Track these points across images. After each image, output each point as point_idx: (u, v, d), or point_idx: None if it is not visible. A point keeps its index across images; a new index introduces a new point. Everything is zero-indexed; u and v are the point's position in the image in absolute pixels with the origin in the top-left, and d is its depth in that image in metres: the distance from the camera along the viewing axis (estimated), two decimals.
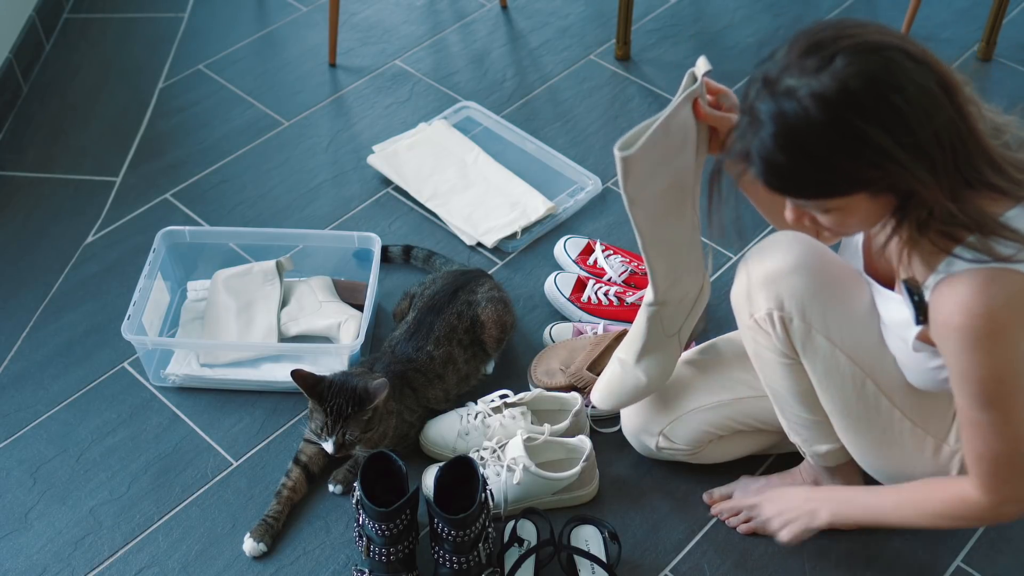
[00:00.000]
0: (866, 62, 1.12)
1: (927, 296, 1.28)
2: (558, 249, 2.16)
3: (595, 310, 2.03)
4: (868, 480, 1.69)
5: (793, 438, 1.62)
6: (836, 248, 1.56)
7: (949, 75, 1.16)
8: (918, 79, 1.13)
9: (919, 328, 1.33)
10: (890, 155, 1.14)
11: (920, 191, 1.17)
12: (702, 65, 1.38)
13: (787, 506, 1.60)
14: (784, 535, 1.59)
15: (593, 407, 1.82)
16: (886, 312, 1.42)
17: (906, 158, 1.14)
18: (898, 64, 1.13)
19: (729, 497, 1.75)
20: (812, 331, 1.44)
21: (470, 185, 2.32)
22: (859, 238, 1.48)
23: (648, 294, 1.58)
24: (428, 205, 2.28)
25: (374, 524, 1.57)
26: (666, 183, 1.42)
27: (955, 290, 1.23)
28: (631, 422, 1.76)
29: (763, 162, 1.19)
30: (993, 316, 1.21)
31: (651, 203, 1.43)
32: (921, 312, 1.29)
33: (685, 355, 1.77)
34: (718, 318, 2.03)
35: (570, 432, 1.79)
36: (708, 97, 1.42)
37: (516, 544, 1.66)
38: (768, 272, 1.45)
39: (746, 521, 1.71)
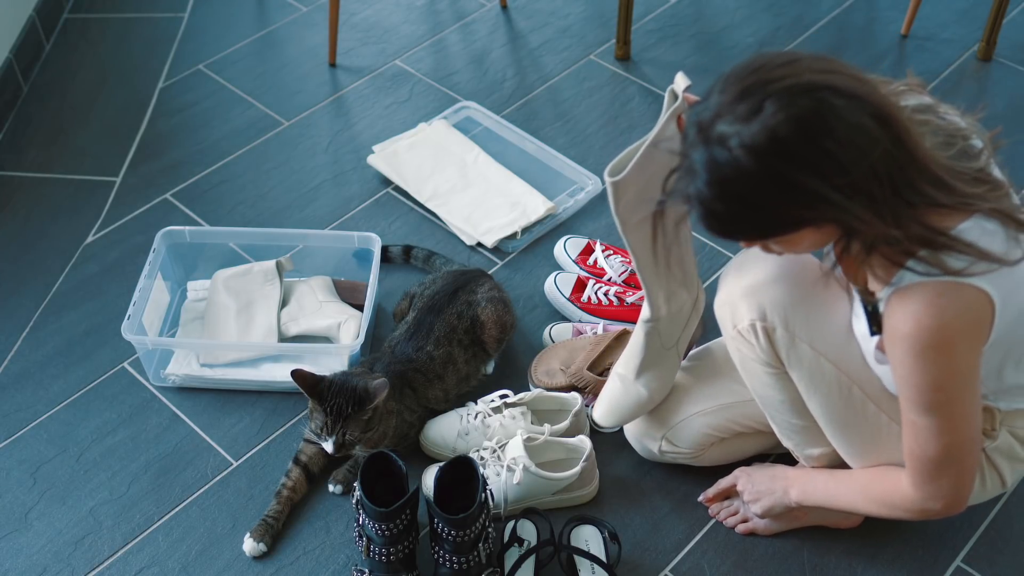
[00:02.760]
0: (795, 107, 1.12)
1: (880, 308, 1.29)
2: (558, 249, 2.16)
3: (595, 310, 2.03)
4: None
5: (786, 443, 1.63)
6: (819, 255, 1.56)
7: (885, 103, 1.15)
8: (850, 118, 1.13)
9: (876, 339, 1.35)
10: (824, 198, 1.14)
11: (858, 226, 1.18)
12: (681, 81, 1.39)
13: (760, 485, 1.66)
14: (757, 508, 1.66)
15: (594, 406, 1.82)
16: (855, 326, 1.43)
17: (840, 199, 1.14)
18: (828, 104, 1.12)
19: (727, 496, 1.75)
20: (796, 340, 1.44)
21: (470, 185, 2.32)
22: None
23: (644, 311, 1.59)
24: (428, 205, 2.28)
25: (374, 524, 1.57)
26: (656, 201, 1.42)
27: (905, 303, 1.25)
28: (633, 427, 1.76)
29: (702, 207, 1.20)
30: (940, 328, 1.23)
31: (644, 224, 1.43)
32: (874, 323, 1.31)
33: (685, 360, 1.77)
34: (716, 320, 2.02)
35: (570, 432, 1.79)
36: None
37: (516, 544, 1.66)
38: (749, 283, 1.46)
39: (743, 520, 1.71)
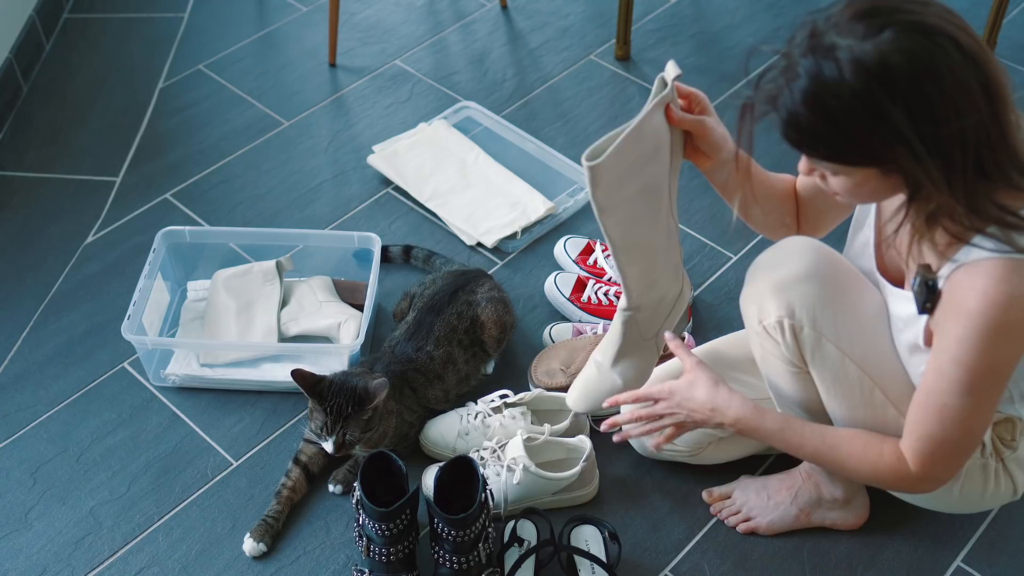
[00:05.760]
0: (913, 42, 1.12)
1: (940, 284, 1.27)
2: (558, 249, 2.16)
3: (595, 310, 2.03)
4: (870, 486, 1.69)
5: None
6: (842, 247, 1.55)
7: (996, 77, 1.15)
8: (960, 73, 1.12)
9: (926, 319, 1.32)
10: (905, 140, 1.14)
11: (927, 185, 1.17)
12: (671, 70, 1.37)
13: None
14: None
15: (569, 391, 1.80)
16: (896, 311, 1.41)
17: (920, 148, 1.14)
18: (945, 53, 1.12)
19: (728, 496, 1.75)
20: (822, 340, 1.42)
21: (470, 185, 2.32)
22: (870, 234, 1.47)
23: (622, 299, 1.56)
24: (428, 205, 2.28)
25: (374, 524, 1.57)
26: (637, 188, 1.40)
27: (974, 277, 1.22)
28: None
29: (786, 112, 1.19)
30: (1011, 307, 1.21)
31: (621, 209, 1.41)
32: (931, 300, 1.27)
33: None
34: (718, 319, 2.03)
35: (570, 432, 1.79)
36: (680, 102, 1.41)
37: (516, 544, 1.66)
38: (779, 279, 1.44)
39: (745, 520, 1.71)
